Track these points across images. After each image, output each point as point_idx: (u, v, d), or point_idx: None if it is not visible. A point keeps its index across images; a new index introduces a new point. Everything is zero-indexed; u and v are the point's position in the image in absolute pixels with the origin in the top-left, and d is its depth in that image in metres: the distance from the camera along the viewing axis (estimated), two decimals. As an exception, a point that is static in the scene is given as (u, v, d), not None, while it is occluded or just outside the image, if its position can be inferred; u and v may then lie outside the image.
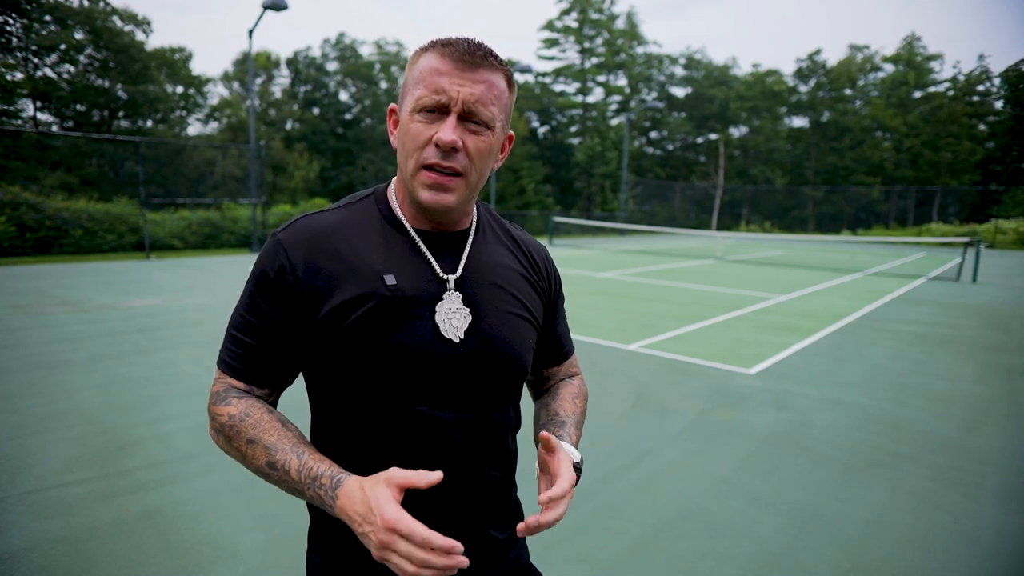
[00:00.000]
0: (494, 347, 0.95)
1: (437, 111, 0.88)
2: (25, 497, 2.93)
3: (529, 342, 1.02)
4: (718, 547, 2.67)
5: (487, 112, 0.89)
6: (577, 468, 0.97)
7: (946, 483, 3.34)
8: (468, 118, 0.88)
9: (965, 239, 15.31)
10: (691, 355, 6.07)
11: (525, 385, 1.24)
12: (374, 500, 0.74)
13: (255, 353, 0.92)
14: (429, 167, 0.89)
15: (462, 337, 0.92)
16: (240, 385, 0.93)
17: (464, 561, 0.73)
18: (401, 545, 0.72)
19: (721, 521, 2.89)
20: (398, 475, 0.77)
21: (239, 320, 0.93)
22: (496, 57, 0.90)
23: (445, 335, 0.91)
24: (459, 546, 0.72)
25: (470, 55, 0.87)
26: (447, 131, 0.86)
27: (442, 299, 0.93)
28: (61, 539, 2.59)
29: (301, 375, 1.01)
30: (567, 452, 0.96)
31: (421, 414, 0.90)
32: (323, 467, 0.83)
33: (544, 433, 0.92)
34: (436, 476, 0.76)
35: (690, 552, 2.63)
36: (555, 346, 1.18)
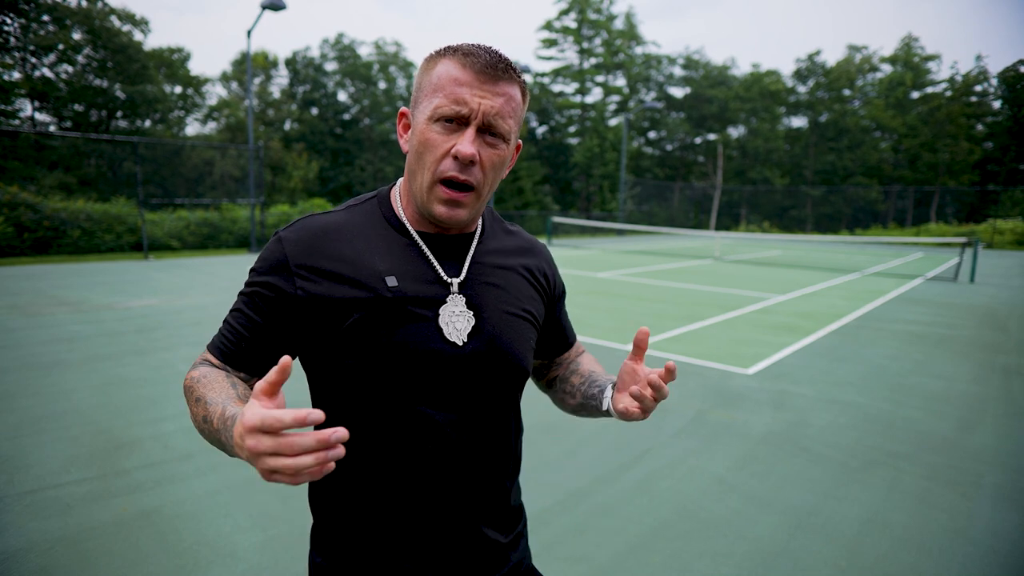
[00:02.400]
0: (497, 349, 0.95)
1: (456, 121, 0.87)
2: (23, 497, 2.93)
3: (530, 343, 1.03)
4: (715, 546, 2.68)
5: (505, 125, 0.89)
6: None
7: (942, 482, 3.35)
8: (486, 130, 0.88)
9: (963, 239, 15.33)
10: (689, 355, 6.07)
11: (532, 377, 1.25)
12: (242, 413, 0.66)
13: (244, 343, 0.92)
14: (445, 181, 0.89)
15: (465, 340, 0.92)
16: (216, 362, 0.94)
17: (343, 434, 0.63)
18: (266, 442, 0.62)
19: (718, 520, 2.90)
20: (260, 382, 0.67)
21: (236, 309, 0.94)
22: (515, 69, 0.90)
23: (449, 337, 0.91)
24: (317, 413, 0.62)
25: (492, 67, 0.87)
26: (466, 144, 0.86)
27: (445, 302, 0.93)
28: (59, 539, 2.59)
29: (304, 374, 1.01)
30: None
31: (422, 414, 0.91)
32: (234, 409, 0.78)
33: (643, 329, 0.94)
34: (285, 361, 0.66)
35: (687, 551, 2.64)
36: (560, 338, 1.20)
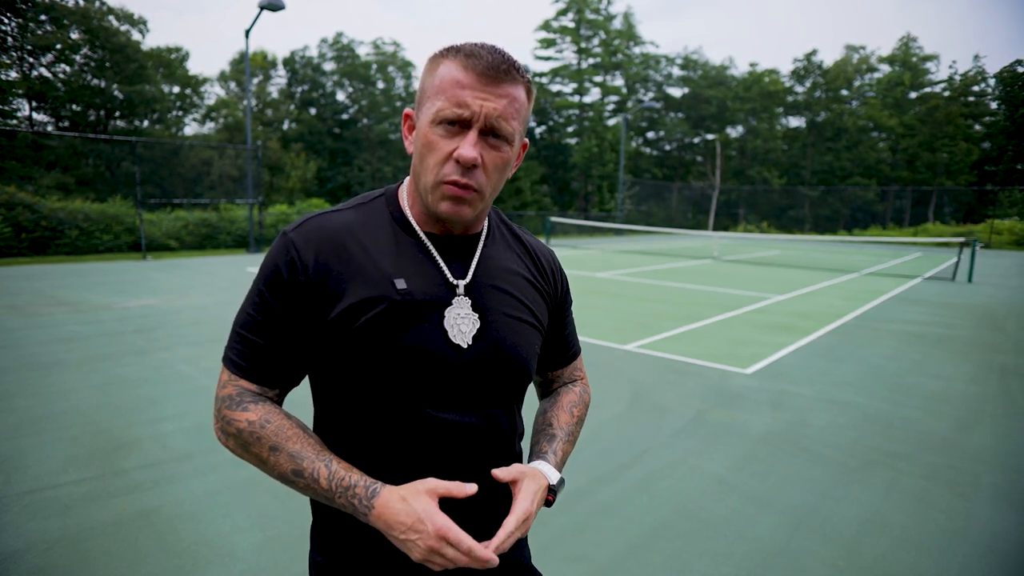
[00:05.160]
0: (501, 352, 0.95)
1: (458, 124, 0.87)
2: (21, 497, 2.93)
3: (534, 347, 1.03)
4: (715, 546, 2.68)
5: (508, 127, 0.88)
6: (552, 490, 0.98)
7: (941, 482, 3.36)
8: (489, 132, 0.88)
9: (961, 239, 15.37)
10: (688, 355, 6.08)
11: (532, 386, 1.25)
12: (423, 511, 0.81)
13: (263, 352, 0.92)
14: (448, 184, 0.88)
15: (470, 343, 0.92)
16: (253, 388, 0.93)
17: (494, 562, 0.83)
18: (449, 551, 0.80)
19: (718, 520, 2.90)
20: (440, 486, 0.84)
21: (246, 318, 0.92)
22: (518, 68, 0.89)
23: (453, 340, 0.91)
24: (495, 560, 0.81)
25: (494, 69, 0.86)
26: (468, 148, 0.86)
27: (451, 304, 0.93)
28: (57, 539, 2.59)
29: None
30: (544, 474, 0.98)
31: (426, 416, 0.91)
32: (355, 477, 0.86)
33: (493, 471, 0.93)
34: (472, 488, 0.84)
35: (687, 551, 2.64)
36: (561, 348, 1.18)
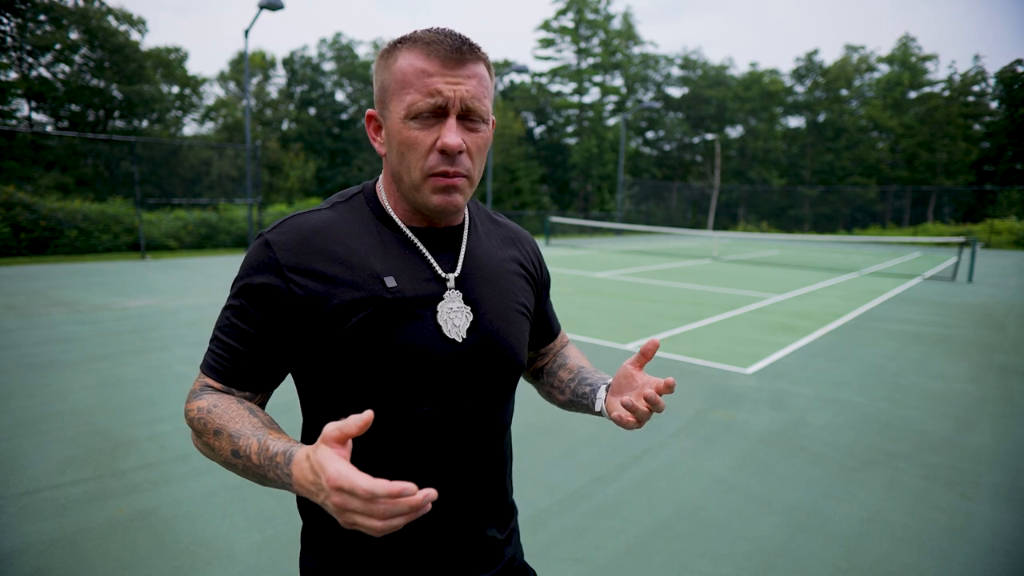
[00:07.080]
0: (495, 344, 0.94)
1: (433, 114, 0.85)
2: (19, 498, 2.92)
3: (525, 336, 1.03)
4: (715, 546, 2.67)
5: (482, 107, 0.87)
6: None
7: (941, 482, 3.35)
8: (465, 116, 0.86)
9: (961, 239, 15.37)
10: (688, 355, 6.07)
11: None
12: (317, 463, 0.66)
13: (242, 358, 0.88)
14: (435, 175, 0.86)
15: (464, 336, 0.91)
16: (218, 385, 0.89)
17: (432, 494, 0.64)
18: (356, 503, 0.64)
19: (718, 520, 2.89)
20: (330, 428, 0.67)
21: (225, 324, 0.89)
22: (477, 47, 0.88)
23: (448, 335, 0.89)
24: (410, 487, 0.63)
25: (457, 51, 0.84)
26: (451, 135, 0.84)
27: (443, 299, 0.91)
28: (55, 541, 2.58)
29: (291, 379, 0.98)
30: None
31: (425, 414, 0.89)
32: (280, 445, 0.76)
33: (655, 340, 0.94)
34: (367, 416, 0.66)
35: (687, 551, 2.63)
36: (545, 328, 1.19)
